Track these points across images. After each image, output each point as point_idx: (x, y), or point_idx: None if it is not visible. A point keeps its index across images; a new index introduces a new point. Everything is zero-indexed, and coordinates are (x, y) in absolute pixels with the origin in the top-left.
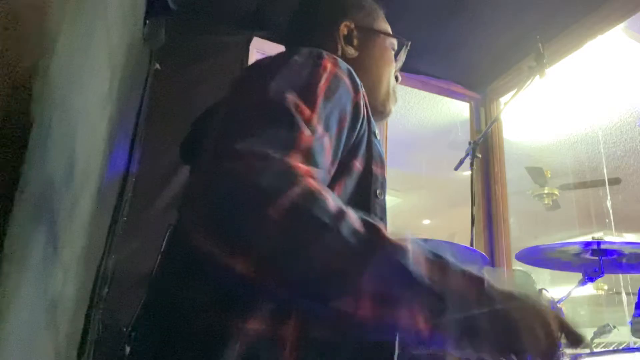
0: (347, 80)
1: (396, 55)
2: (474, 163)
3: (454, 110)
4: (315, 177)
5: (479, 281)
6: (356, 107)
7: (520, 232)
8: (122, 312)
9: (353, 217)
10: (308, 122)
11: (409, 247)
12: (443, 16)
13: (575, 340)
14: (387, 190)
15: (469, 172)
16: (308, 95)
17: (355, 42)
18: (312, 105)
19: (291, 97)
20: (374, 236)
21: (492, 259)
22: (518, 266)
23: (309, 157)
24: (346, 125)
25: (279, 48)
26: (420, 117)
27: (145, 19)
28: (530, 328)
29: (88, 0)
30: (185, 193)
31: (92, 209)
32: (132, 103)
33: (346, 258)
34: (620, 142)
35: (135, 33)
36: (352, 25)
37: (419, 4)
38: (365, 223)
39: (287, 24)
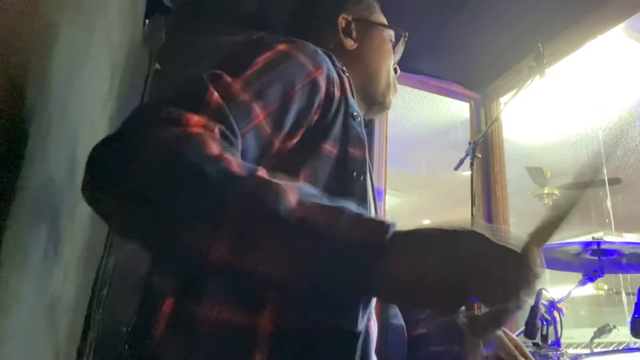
0: (301, 57)
1: (394, 46)
2: (474, 163)
3: (454, 110)
4: (210, 128)
5: (376, 223)
6: (313, 82)
7: (520, 232)
8: (122, 312)
9: (233, 161)
10: (225, 87)
11: (292, 189)
12: (443, 16)
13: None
14: (387, 190)
15: (469, 172)
16: (235, 66)
17: (354, 34)
18: (236, 74)
19: (212, 71)
20: (248, 176)
21: None
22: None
23: (213, 115)
24: (295, 97)
25: None
26: (420, 117)
27: (145, 19)
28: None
29: (88, 0)
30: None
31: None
32: (132, 103)
33: (206, 193)
34: (620, 142)
35: (135, 33)
36: (350, 18)
37: (419, 3)
38: (244, 166)
39: (286, 17)
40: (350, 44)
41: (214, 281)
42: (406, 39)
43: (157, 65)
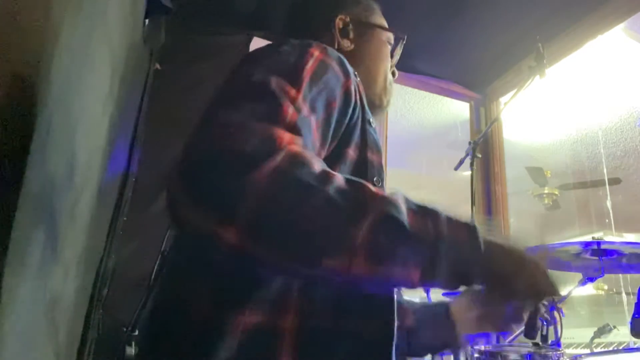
0: (335, 66)
1: (393, 49)
2: (474, 163)
3: (454, 110)
4: (299, 144)
5: (470, 228)
6: (346, 92)
7: (520, 232)
8: (122, 312)
9: (339, 177)
10: (293, 101)
11: (399, 200)
12: (443, 16)
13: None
14: (387, 190)
15: (469, 172)
16: (293, 77)
17: (351, 35)
18: (297, 86)
19: (275, 79)
20: (361, 192)
21: None
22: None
23: (293, 131)
24: (336, 109)
25: None
26: (420, 117)
27: (145, 19)
28: (523, 273)
29: (88, 0)
30: (172, 167)
31: (92, 209)
32: (132, 103)
33: (335, 216)
34: (620, 142)
35: (135, 33)
36: (348, 19)
37: (419, 3)
38: (349, 181)
39: (285, 17)
40: (346, 44)
41: (241, 283)
42: (404, 42)
43: (157, 65)
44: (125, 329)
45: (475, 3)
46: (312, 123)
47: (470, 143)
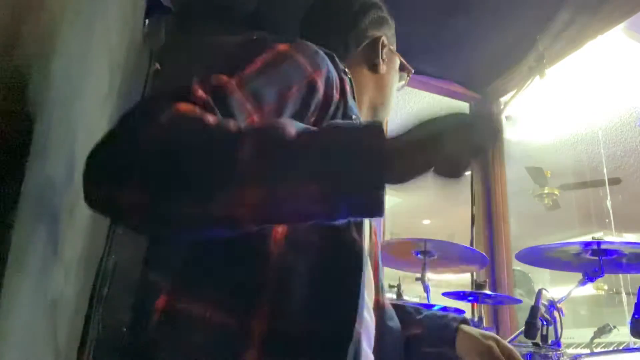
0: (300, 59)
1: (402, 82)
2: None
3: (454, 110)
4: (197, 109)
5: (363, 126)
6: (310, 84)
7: (520, 232)
8: (122, 312)
9: (218, 117)
10: (217, 86)
11: (283, 123)
12: (443, 16)
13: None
14: (387, 190)
15: (469, 172)
16: (233, 65)
17: (384, 57)
18: (233, 73)
19: (205, 72)
20: (238, 127)
21: (492, 259)
22: (518, 266)
23: (204, 107)
24: (291, 99)
25: None
26: (420, 117)
27: (145, 19)
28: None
29: (88, 1)
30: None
31: None
32: (132, 103)
33: (215, 148)
34: (620, 142)
35: (135, 33)
36: (386, 42)
37: (419, 3)
38: (236, 124)
39: (314, 27)
40: (383, 67)
41: (208, 280)
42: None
43: (157, 65)
44: (125, 329)
45: (475, 3)
46: (245, 107)
47: None
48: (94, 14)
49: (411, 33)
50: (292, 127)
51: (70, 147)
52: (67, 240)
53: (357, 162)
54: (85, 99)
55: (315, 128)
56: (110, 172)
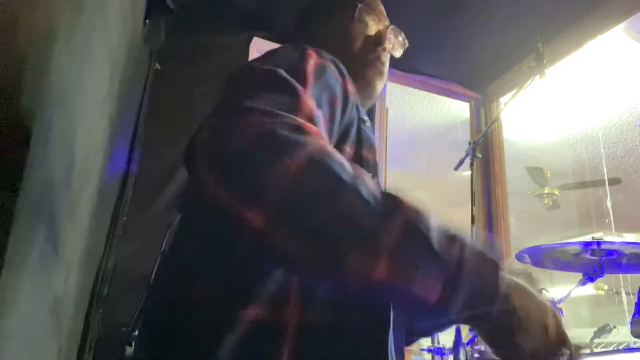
0: (332, 67)
1: None
2: (474, 163)
3: (454, 110)
4: (323, 136)
5: (494, 265)
6: (345, 91)
7: (520, 232)
8: (122, 312)
9: (368, 178)
10: (305, 96)
11: (427, 214)
12: (443, 16)
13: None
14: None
15: (469, 172)
16: (299, 75)
17: None
18: (303, 82)
19: (286, 76)
20: (392, 199)
21: None
22: (518, 266)
23: (312, 123)
24: (338, 107)
25: None
26: (420, 117)
27: (145, 19)
28: (538, 327)
29: (88, 1)
30: (195, 150)
31: (92, 209)
32: (132, 103)
33: (365, 215)
34: (620, 142)
35: (135, 33)
36: None
37: (419, 3)
38: (379, 187)
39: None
40: None
41: (253, 284)
42: (406, 39)
43: (157, 65)
44: (125, 329)
45: (475, 3)
46: (320, 119)
47: (470, 143)
48: (94, 14)
49: (411, 33)
50: (433, 219)
51: (70, 147)
52: (68, 240)
53: (479, 293)
54: (85, 98)
55: (450, 232)
56: (246, 184)
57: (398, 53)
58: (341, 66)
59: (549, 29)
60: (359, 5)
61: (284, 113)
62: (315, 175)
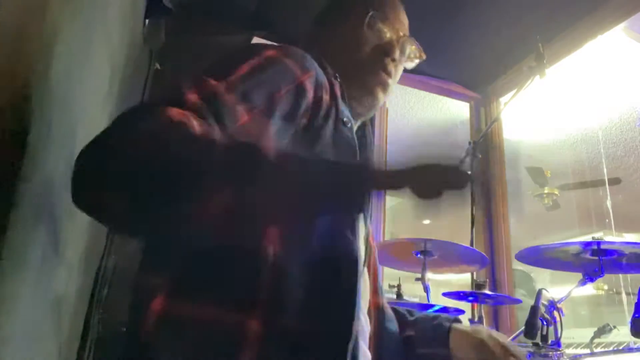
0: (288, 62)
1: None
2: (474, 163)
3: (454, 110)
4: (187, 115)
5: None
6: (299, 87)
7: (520, 232)
8: (122, 312)
9: (214, 130)
10: (208, 90)
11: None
12: (443, 16)
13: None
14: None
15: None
16: (221, 70)
17: None
18: (221, 78)
19: (196, 76)
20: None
21: (492, 259)
22: (518, 266)
23: (196, 112)
24: (280, 101)
25: None
26: (420, 117)
27: (145, 19)
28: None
29: (88, 0)
30: None
31: None
32: (132, 103)
33: (198, 159)
34: (620, 142)
35: (135, 33)
36: None
37: (419, 3)
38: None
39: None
40: None
41: (204, 280)
42: (422, 52)
43: (157, 65)
44: (125, 329)
45: (475, 3)
46: (237, 110)
47: (470, 143)
48: (94, 14)
49: (411, 33)
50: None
51: (70, 147)
52: (69, 240)
53: (342, 170)
54: (85, 99)
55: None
56: (96, 174)
57: (411, 65)
58: (307, 63)
59: (549, 29)
60: (371, 12)
61: (150, 106)
62: (153, 144)
